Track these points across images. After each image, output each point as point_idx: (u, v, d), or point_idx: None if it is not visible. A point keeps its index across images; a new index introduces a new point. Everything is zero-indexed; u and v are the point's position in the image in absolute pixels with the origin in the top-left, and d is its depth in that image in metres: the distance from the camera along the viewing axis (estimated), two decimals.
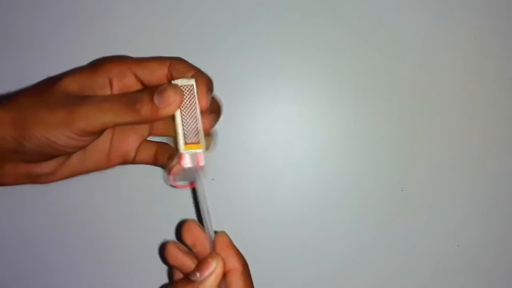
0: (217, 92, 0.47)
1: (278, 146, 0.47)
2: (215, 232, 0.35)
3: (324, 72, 0.47)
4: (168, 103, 0.33)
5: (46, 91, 0.34)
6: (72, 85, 0.35)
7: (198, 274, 0.33)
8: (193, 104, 0.35)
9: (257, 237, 0.48)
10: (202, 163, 0.35)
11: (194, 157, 0.35)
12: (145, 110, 0.33)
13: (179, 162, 0.35)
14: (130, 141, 0.41)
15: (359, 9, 0.47)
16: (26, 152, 0.34)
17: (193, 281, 0.33)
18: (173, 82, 0.35)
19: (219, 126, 0.39)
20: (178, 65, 0.37)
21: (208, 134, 0.37)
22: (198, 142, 0.35)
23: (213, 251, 0.34)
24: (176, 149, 0.34)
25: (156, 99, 0.33)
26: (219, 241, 0.35)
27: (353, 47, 0.47)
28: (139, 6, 0.46)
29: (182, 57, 0.44)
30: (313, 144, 0.48)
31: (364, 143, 0.48)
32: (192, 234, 0.36)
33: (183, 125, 0.34)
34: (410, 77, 0.47)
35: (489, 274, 0.49)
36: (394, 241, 0.48)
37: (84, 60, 0.45)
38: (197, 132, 0.35)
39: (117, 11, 0.46)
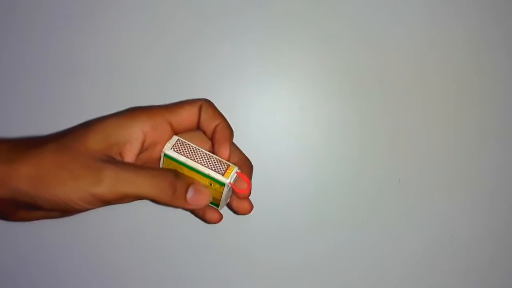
0: (219, 83, 0.47)
1: (279, 137, 0.48)
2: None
3: (326, 65, 0.48)
4: (196, 204, 0.34)
5: (69, 151, 0.32)
6: (97, 145, 0.33)
7: None
8: (195, 150, 0.36)
9: (261, 222, 0.49)
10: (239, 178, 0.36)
11: (236, 177, 0.35)
12: (175, 198, 0.33)
13: (233, 191, 0.36)
14: None
15: (362, 3, 0.47)
16: (38, 207, 0.33)
17: None
18: (165, 150, 0.36)
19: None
20: (207, 109, 0.37)
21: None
22: (228, 166, 0.35)
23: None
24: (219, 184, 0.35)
25: (189, 194, 0.34)
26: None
27: (355, 42, 0.48)
28: None
29: (188, 50, 0.45)
30: (314, 136, 0.48)
31: (363, 135, 0.48)
32: None
33: (206, 167, 0.35)
34: (411, 71, 0.48)
35: (480, 263, 0.50)
36: (391, 230, 0.49)
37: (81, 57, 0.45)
38: (219, 161, 0.36)
39: (118, 6, 0.47)
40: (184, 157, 0.35)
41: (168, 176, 0.34)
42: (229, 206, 0.39)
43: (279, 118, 0.48)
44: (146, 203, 0.48)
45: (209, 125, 0.37)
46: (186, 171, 0.35)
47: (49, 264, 0.49)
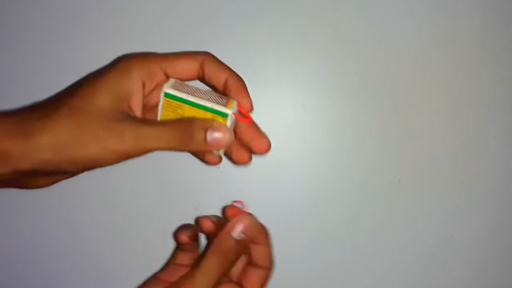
0: None
1: (282, 137, 0.48)
2: None
3: (329, 65, 0.48)
4: (217, 144, 0.34)
5: (83, 114, 0.33)
6: (107, 102, 0.34)
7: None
8: (194, 88, 0.36)
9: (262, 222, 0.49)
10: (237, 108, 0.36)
11: (237, 110, 0.36)
12: (195, 143, 0.34)
13: (234, 122, 0.36)
14: None
15: (365, 2, 0.47)
16: (63, 173, 0.34)
17: None
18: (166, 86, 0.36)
19: None
20: (211, 63, 0.37)
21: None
22: (228, 99, 0.36)
23: None
24: (222, 116, 0.35)
25: (209, 136, 0.34)
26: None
27: (357, 42, 0.48)
28: None
29: (188, 48, 0.45)
30: (316, 136, 0.48)
31: (365, 135, 0.48)
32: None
33: (208, 100, 0.35)
34: (412, 71, 0.48)
35: (480, 264, 0.50)
36: (391, 231, 0.49)
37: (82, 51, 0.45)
38: (219, 96, 0.36)
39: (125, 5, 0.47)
40: (185, 94, 0.35)
41: (185, 126, 0.34)
42: (229, 157, 0.39)
43: (280, 117, 0.48)
44: (145, 204, 0.48)
45: (218, 78, 0.37)
46: (187, 109, 0.35)
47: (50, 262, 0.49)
